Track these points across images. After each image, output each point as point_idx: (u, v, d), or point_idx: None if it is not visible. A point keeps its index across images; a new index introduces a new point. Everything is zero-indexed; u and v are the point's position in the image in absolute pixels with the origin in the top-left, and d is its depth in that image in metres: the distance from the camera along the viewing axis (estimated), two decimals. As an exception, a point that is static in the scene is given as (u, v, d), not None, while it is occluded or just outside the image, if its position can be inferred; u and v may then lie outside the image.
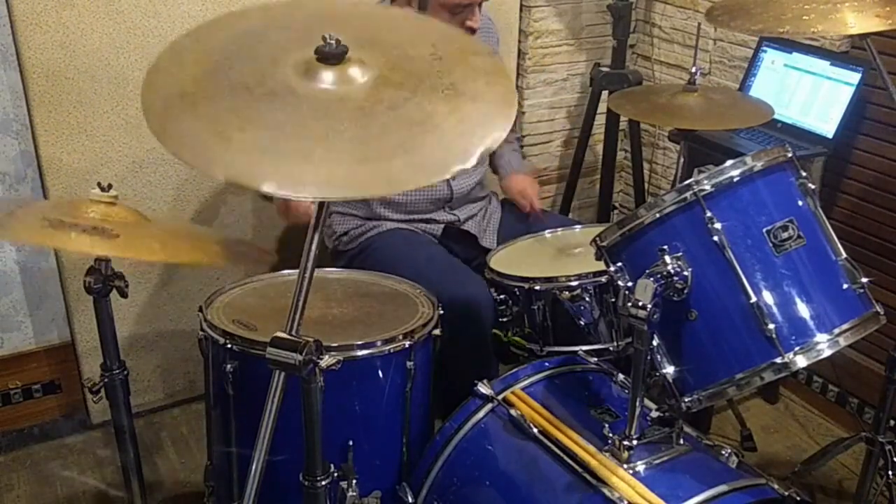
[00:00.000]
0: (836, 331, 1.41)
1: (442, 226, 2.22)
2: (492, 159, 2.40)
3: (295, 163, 1.04)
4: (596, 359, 1.83)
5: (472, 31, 2.07)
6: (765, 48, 2.47)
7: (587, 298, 1.87)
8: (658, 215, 1.44)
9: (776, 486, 1.47)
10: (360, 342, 1.61)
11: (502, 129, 1.10)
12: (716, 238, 1.40)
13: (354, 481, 1.54)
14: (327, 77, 1.13)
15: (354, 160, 1.04)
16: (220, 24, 1.29)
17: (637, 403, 1.46)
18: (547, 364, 1.79)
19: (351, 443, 1.63)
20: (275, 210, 2.00)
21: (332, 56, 1.14)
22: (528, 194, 2.30)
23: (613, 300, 1.85)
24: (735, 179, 1.42)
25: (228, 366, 1.63)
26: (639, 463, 1.48)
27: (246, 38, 1.24)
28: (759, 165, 1.44)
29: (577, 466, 1.50)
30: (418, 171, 1.06)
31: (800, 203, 1.47)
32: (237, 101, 1.11)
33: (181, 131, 1.08)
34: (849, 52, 2.35)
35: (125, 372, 1.61)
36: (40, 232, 1.32)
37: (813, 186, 1.49)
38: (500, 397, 1.69)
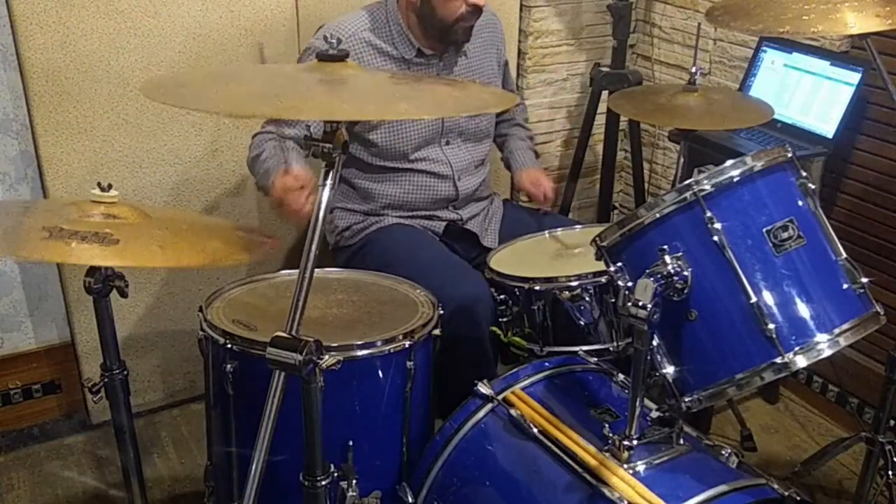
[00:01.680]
0: (836, 331, 1.41)
1: (444, 223, 2.22)
2: (504, 155, 2.41)
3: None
4: (596, 359, 1.83)
5: (477, 8, 2.05)
6: (765, 48, 2.47)
7: (587, 298, 1.87)
8: (658, 215, 1.44)
9: (776, 486, 1.47)
10: (360, 342, 1.61)
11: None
12: (716, 238, 1.40)
13: (354, 481, 1.54)
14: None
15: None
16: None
17: (637, 403, 1.46)
18: (547, 364, 1.79)
19: (351, 443, 1.63)
20: (271, 207, 1.96)
21: (333, 58, 1.16)
22: (541, 182, 2.29)
23: (613, 300, 1.85)
24: (735, 179, 1.42)
25: (228, 366, 1.63)
26: (639, 463, 1.48)
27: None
28: (759, 165, 1.44)
29: (577, 466, 1.50)
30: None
31: (800, 203, 1.47)
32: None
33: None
34: (849, 52, 2.35)
35: (125, 372, 1.61)
36: (40, 245, 1.32)
37: (813, 186, 1.49)
38: (500, 397, 1.69)
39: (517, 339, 1.95)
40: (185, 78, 1.33)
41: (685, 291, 1.41)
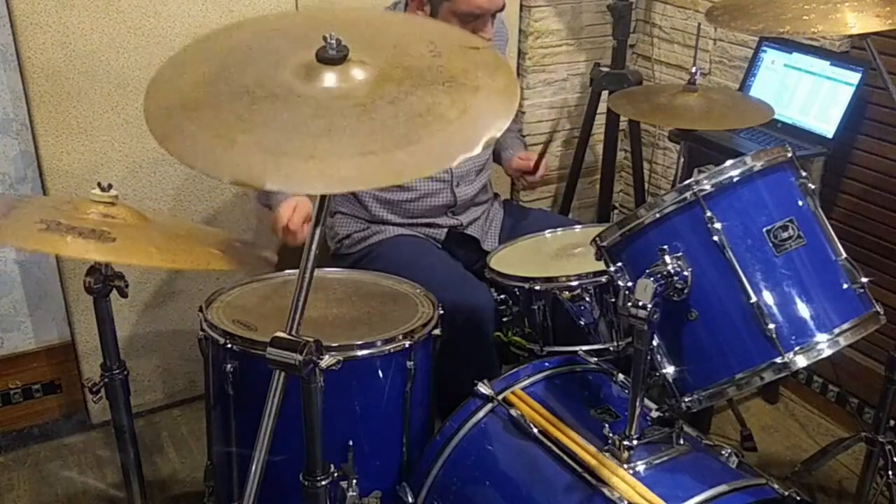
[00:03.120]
0: (836, 330, 1.41)
1: (445, 230, 2.21)
2: (495, 150, 2.40)
3: (299, 160, 1.05)
4: (596, 359, 1.83)
5: None
6: (765, 48, 2.47)
7: (587, 298, 1.87)
8: (658, 215, 1.44)
9: (776, 486, 1.47)
10: (360, 342, 1.61)
11: (505, 118, 1.11)
12: (716, 238, 1.40)
13: (354, 481, 1.54)
14: (328, 77, 1.14)
15: (358, 153, 1.05)
16: (218, 37, 1.32)
17: (637, 403, 1.46)
18: (547, 364, 1.79)
19: (351, 443, 1.63)
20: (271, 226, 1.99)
21: (333, 59, 1.14)
22: (528, 156, 2.28)
23: (613, 300, 1.85)
24: (735, 179, 1.42)
25: (228, 366, 1.63)
26: (639, 463, 1.48)
27: (245, 48, 1.26)
28: (759, 165, 1.44)
29: (577, 466, 1.50)
30: (423, 160, 1.07)
31: (800, 203, 1.47)
32: (239, 105, 1.13)
33: (185, 137, 1.13)
34: (849, 52, 2.35)
35: (125, 372, 1.61)
36: (36, 236, 1.31)
37: (813, 186, 1.49)
38: (500, 397, 1.69)
39: (517, 339, 1.95)
40: (196, 113, 1.17)
41: (685, 291, 1.42)
